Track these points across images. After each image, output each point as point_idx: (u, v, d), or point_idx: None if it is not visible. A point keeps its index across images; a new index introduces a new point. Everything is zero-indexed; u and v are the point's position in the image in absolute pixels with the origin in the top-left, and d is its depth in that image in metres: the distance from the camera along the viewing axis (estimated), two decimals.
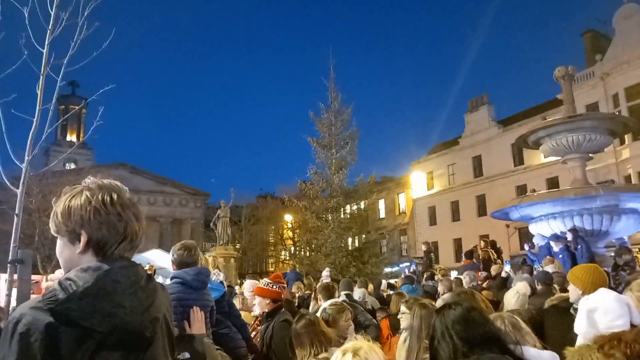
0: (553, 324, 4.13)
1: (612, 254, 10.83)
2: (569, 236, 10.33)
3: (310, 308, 7.09)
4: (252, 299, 5.38)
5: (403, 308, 4.80)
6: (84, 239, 1.35)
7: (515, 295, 5.31)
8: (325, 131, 26.65)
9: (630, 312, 2.75)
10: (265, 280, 4.34)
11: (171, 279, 3.45)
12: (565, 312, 4.15)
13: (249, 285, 6.36)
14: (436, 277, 10.83)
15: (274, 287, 4.21)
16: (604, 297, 2.67)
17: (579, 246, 10.00)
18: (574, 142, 11.65)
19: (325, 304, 4.47)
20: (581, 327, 2.95)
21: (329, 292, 5.77)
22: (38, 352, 1.16)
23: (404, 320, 3.81)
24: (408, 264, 33.24)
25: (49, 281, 5.05)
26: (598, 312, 2.67)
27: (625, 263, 8.84)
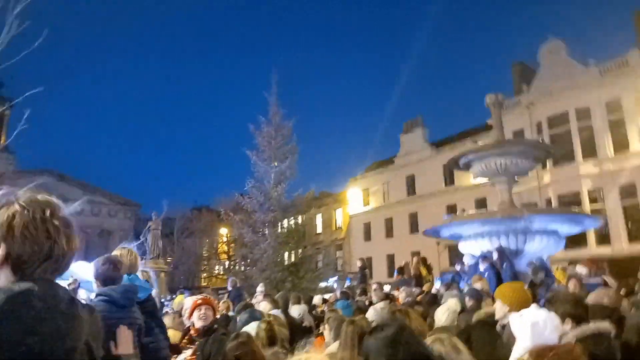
0: (481, 339, 4.29)
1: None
2: (495, 255, 10.83)
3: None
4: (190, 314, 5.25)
5: (327, 326, 4.88)
6: (2, 252, 1.26)
7: (445, 312, 5.48)
8: (265, 145, 26.56)
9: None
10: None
11: (96, 296, 3.26)
12: (492, 328, 4.34)
13: (189, 301, 6.16)
14: (369, 293, 10.98)
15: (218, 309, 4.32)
16: (540, 312, 2.82)
17: (504, 264, 10.50)
18: (502, 165, 12.28)
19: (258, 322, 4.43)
20: (526, 341, 3.07)
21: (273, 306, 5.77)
22: None
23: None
24: (336, 277, 33.54)
25: None
26: (539, 325, 2.80)
27: (541, 281, 9.43)
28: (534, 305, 2.91)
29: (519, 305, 3.90)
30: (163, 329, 4.32)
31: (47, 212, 1.31)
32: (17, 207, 1.29)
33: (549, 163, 26.21)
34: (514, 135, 28.15)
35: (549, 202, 28.36)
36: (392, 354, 2.04)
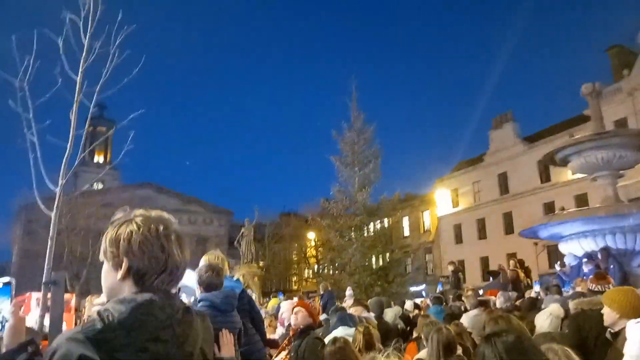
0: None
1: None
2: (600, 255, 10.06)
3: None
4: (288, 316, 5.43)
5: (420, 331, 4.79)
6: (125, 266, 1.38)
7: (548, 318, 5.16)
8: (348, 150, 26.70)
9: None
10: (315, 305, 4.56)
11: (199, 302, 3.48)
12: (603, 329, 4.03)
13: (287, 305, 6.36)
14: (463, 298, 10.62)
15: (314, 312, 4.40)
16: None
17: (611, 266, 9.71)
18: (603, 159, 11.41)
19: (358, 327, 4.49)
20: (632, 351, 2.84)
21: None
22: None
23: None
24: (424, 285, 32.73)
25: (94, 305, 5.13)
26: None
27: None
28: None
29: (630, 311, 3.58)
30: (259, 327, 4.49)
31: (161, 228, 1.42)
32: (134, 224, 1.41)
33: None
34: (616, 125, 25.96)
35: None
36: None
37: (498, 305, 8.30)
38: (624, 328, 3.25)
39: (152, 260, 1.39)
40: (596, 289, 5.22)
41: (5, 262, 47.57)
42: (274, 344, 4.69)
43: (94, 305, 5.46)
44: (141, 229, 1.40)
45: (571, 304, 5.19)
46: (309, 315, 4.29)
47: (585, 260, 10.17)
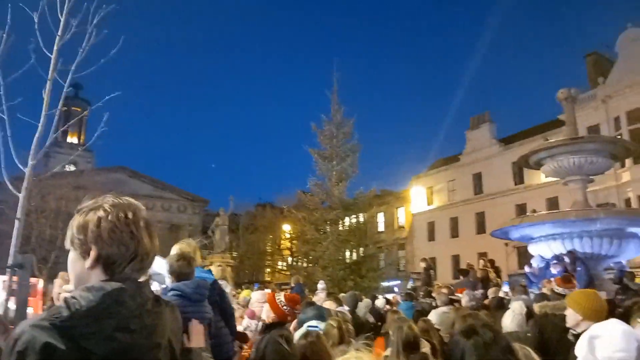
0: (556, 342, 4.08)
1: (612, 277, 10.80)
2: (567, 258, 10.31)
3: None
4: (260, 307, 5.35)
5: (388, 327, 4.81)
6: (93, 253, 1.34)
7: (510, 316, 5.27)
8: (326, 143, 26.71)
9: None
10: (281, 298, 4.21)
11: (170, 291, 3.43)
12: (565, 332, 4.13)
13: (258, 295, 6.30)
14: (433, 294, 10.75)
15: (285, 308, 4.07)
16: (612, 328, 2.64)
17: (578, 268, 9.96)
18: (576, 164, 11.68)
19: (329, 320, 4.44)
20: (581, 351, 2.92)
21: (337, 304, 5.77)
22: None
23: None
24: (398, 281, 33.08)
25: (63, 291, 5.00)
26: (600, 340, 2.64)
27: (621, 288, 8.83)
28: (613, 320, 2.73)
29: (592, 314, 3.68)
30: (229, 320, 4.41)
31: (130, 215, 1.39)
32: (102, 211, 1.38)
33: (628, 161, 24.51)
34: (589, 131, 26.55)
35: (628, 202, 26.56)
36: (490, 358, 2.00)
37: (463, 303, 8.43)
38: (585, 330, 3.33)
39: (121, 248, 1.35)
40: (560, 292, 5.34)
41: None
42: (242, 337, 4.60)
43: (62, 289, 5.33)
44: (110, 216, 1.36)
45: (536, 307, 5.29)
46: (277, 313, 4.09)
47: (553, 262, 10.41)
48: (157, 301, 1.41)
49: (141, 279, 1.43)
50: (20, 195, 4.27)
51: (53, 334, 1.16)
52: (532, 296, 7.93)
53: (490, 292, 10.10)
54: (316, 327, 4.36)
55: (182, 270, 3.46)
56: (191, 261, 3.57)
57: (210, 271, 4.37)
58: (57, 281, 6.56)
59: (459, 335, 2.19)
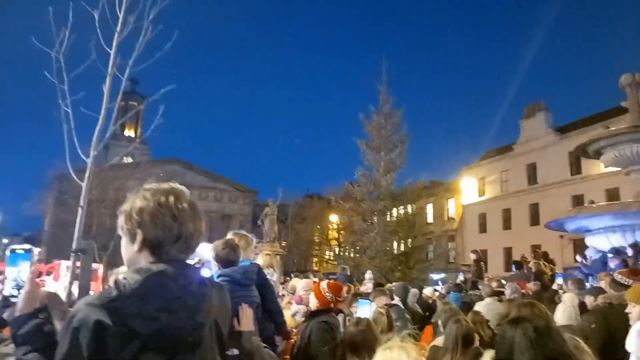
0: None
1: None
2: (629, 251, 9.82)
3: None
4: (305, 294, 5.41)
5: (439, 320, 4.76)
6: (139, 238, 1.42)
7: (561, 308, 5.10)
8: (374, 134, 26.51)
9: None
10: (324, 285, 4.28)
11: (218, 277, 3.51)
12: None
13: (304, 284, 6.40)
14: (479, 285, 10.52)
15: (328, 295, 4.13)
16: None
17: (639, 262, 9.49)
18: (639, 153, 11.09)
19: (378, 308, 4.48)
20: (631, 346, 2.80)
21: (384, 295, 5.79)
22: (85, 348, 1.21)
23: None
24: (443, 274, 32.48)
25: (115, 275, 5.26)
26: None
27: None
28: None
29: None
30: (275, 312, 4.42)
31: (172, 199, 1.45)
32: (144, 198, 1.46)
33: None
34: None
35: None
36: (543, 346, 1.96)
37: (507, 295, 8.22)
38: None
39: (165, 230, 1.42)
40: (625, 282, 5.02)
41: (37, 231, 49.17)
42: (287, 334, 4.62)
43: (116, 272, 5.61)
44: (151, 202, 1.44)
45: (599, 298, 5.07)
46: (320, 300, 4.16)
47: (610, 255, 9.97)
48: (202, 283, 1.46)
49: (188, 261, 1.50)
50: (83, 185, 4.52)
51: (103, 313, 1.24)
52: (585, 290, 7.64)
53: (532, 284, 9.78)
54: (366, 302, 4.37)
55: (228, 257, 3.55)
56: (236, 248, 3.64)
57: (253, 262, 4.39)
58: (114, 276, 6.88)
59: (507, 325, 2.15)
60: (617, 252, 10.10)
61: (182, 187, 1.53)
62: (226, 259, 3.57)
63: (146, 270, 1.35)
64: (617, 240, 10.58)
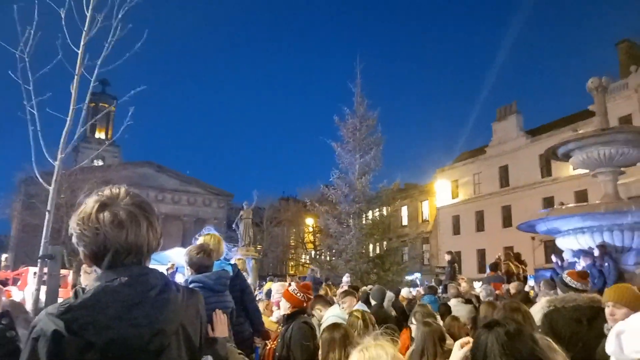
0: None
1: None
2: (596, 252, 10.06)
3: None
4: (279, 300, 5.43)
5: (412, 320, 4.79)
6: (81, 250, 1.39)
7: (540, 311, 5.16)
8: (349, 136, 26.56)
9: None
10: (294, 287, 4.40)
11: (190, 283, 3.44)
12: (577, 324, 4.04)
13: (278, 287, 6.38)
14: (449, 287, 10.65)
15: (299, 295, 4.27)
16: (637, 321, 2.53)
17: (606, 263, 9.72)
18: (606, 155, 11.37)
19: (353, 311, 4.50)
20: (610, 347, 2.82)
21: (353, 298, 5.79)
22: (44, 358, 1.19)
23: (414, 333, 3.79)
24: (418, 274, 32.83)
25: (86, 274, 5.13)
26: (625, 334, 2.55)
27: None
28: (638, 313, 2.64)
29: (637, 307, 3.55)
30: (252, 312, 4.47)
31: (94, 213, 1.38)
32: (76, 213, 1.40)
33: None
34: (620, 122, 25.83)
35: None
36: (514, 350, 1.96)
37: (482, 298, 8.33)
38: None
39: (91, 246, 1.37)
40: (573, 285, 5.08)
41: (4, 236, 47.73)
42: (266, 334, 4.68)
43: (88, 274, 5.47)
44: (80, 214, 1.39)
45: (545, 302, 5.14)
46: (292, 302, 4.26)
47: (582, 256, 10.19)
48: (165, 289, 1.40)
49: (154, 266, 1.44)
50: (50, 189, 4.38)
51: (60, 323, 1.21)
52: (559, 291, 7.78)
53: (512, 286, 9.92)
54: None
55: (201, 262, 3.49)
56: (211, 254, 3.59)
57: (230, 263, 4.41)
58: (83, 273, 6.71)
59: (481, 329, 2.15)
60: (586, 253, 10.32)
61: (124, 192, 1.44)
62: (199, 264, 3.50)
63: (100, 278, 1.33)
64: (586, 241, 10.81)
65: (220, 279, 3.46)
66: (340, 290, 11.35)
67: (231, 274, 3.99)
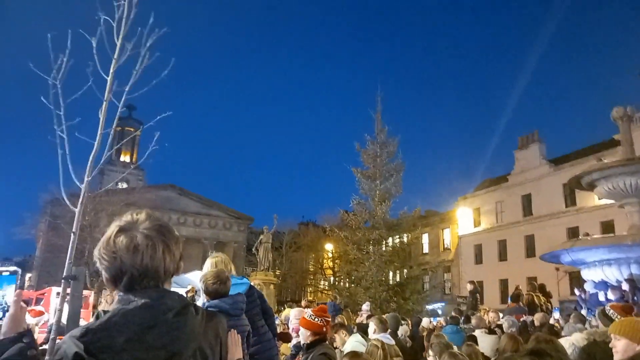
0: None
1: None
2: (625, 286, 9.78)
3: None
4: (297, 326, 5.39)
5: (430, 352, 4.69)
6: (103, 274, 1.44)
7: (571, 347, 5.01)
8: (370, 162, 26.60)
9: None
10: (310, 312, 4.30)
11: (206, 309, 3.46)
12: None
13: (296, 312, 6.35)
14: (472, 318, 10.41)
15: (317, 320, 4.14)
16: None
17: (636, 297, 9.43)
18: (632, 185, 11.15)
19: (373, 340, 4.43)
20: None
21: (383, 326, 5.73)
22: None
23: None
24: (442, 304, 32.18)
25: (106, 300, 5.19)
26: None
27: None
28: None
29: None
30: (271, 321, 4.48)
31: (112, 237, 1.43)
32: (106, 235, 1.46)
33: None
34: None
35: None
36: None
37: (505, 329, 8.13)
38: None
39: (111, 270, 1.41)
40: (615, 318, 4.99)
41: (29, 256, 48.63)
42: (285, 337, 4.68)
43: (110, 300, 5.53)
44: (101, 242, 1.44)
45: (584, 334, 5.00)
46: (312, 329, 4.14)
47: (612, 287, 9.91)
48: (182, 311, 1.41)
49: (174, 289, 1.48)
50: (76, 210, 4.48)
51: (80, 345, 1.24)
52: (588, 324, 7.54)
53: (536, 317, 9.66)
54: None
55: (217, 290, 3.53)
56: (226, 281, 3.61)
57: (243, 277, 4.42)
58: (103, 300, 6.80)
59: (527, 357, 2.11)
60: (610, 286, 10.03)
61: (144, 216, 1.49)
62: (215, 293, 3.53)
63: (120, 301, 1.36)
64: (613, 273, 10.53)
65: (237, 303, 3.49)
66: (359, 318, 11.20)
67: (244, 290, 3.99)
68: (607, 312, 4.80)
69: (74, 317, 4.95)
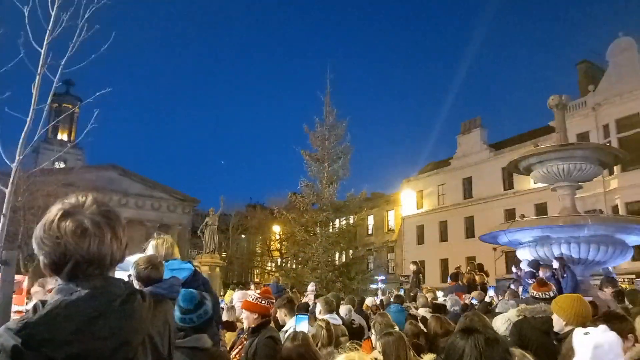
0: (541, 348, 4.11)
1: (597, 284, 10.91)
2: (555, 264, 10.36)
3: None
4: (240, 310, 5.33)
5: (373, 331, 4.81)
6: (42, 260, 1.34)
7: (505, 323, 5.28)
8: (318, 145, 26.69)
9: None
10: (254, 294, 4.24)
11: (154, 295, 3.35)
12: (544, 335, 4.19)
13: (239, 295, 6.29)
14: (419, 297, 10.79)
15: (263, 302, 4.08)
16: (608, 335, 2.64)
17: (565, 274, 10.03)
18: (565, 170, 11.74)
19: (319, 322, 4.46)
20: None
21: (329, 307, 5.76)
22: None
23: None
24: (382, 277, 33.13)
25: (39, 288, 4.94)
26: (604, 349, 2.64)
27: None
28: (602, 326, 2.75)
29: (576, 318, 3.73)
30: (215, 309, 4.39)
31: (55, 222, 1.34)
32: (46, 217, 1.36)
33: (616, 169, 24.78)
34: (579, 139, 26.80)
35: (615, 209, 26.82)
36: (491, 355, 1.98)
37: (448, 308, 8.47)
38: (569, 333, 3.35)
39: (52, 255, 1.33)
40: (538, 296, 5.44)
41: None
42: (230, 325, 4.60)
43: (37, 292, 5.26)
44: (41, 225, 1.35)
45: (515, 311, 5.32)
46: (259, 310, 4.07)
47: (542, 265, 10.48)
48: (129, 299, 1.36)
49: (108, 277, 1.39)
50: (6, 191, 4.21)
51: (18, 339, 1.17)
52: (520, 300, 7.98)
53: (474, 294, 10.12)
54: (305, 317, 4.36)
55: (149, 276, 3.41)
56: (159, 267, 3.49)
57: (189, 262, 4.28)
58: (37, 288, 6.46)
59: (458, 334, 2.17)
60: (543, 264, 10.61)
61: (91, 200, 1.40)
62: (147, 278, 3.42)
63: (60, 291, 1.29)
64: (545, 252, 11.13)
65: (174, 286, 3.40)
66: (304, 298, 11.32)
67: (185, 276, 3.86)
68: (532, 294, 5.28)
69: (5, 303, 4.69)
